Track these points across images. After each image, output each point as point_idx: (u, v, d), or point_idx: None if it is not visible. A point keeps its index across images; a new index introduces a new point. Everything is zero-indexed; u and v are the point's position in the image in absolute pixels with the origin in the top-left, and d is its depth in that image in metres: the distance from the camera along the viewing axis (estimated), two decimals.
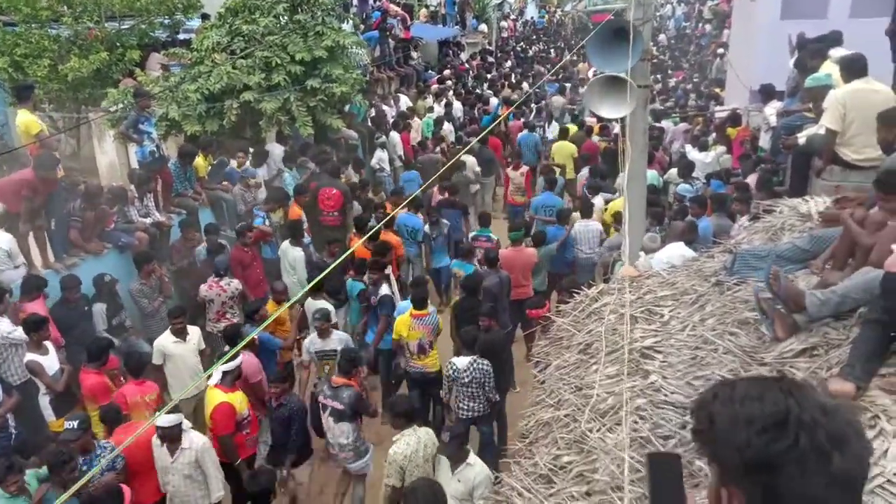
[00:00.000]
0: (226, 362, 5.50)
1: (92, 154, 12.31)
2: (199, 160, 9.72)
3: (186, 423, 5.41)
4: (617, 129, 10.86)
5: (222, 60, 10.65)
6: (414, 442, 5.15)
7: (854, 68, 5.66)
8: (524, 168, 11.76)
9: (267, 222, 9.13)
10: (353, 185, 10.57)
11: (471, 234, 9.72)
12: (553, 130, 15.37)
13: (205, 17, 13.37)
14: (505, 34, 30.78)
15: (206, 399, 5.91)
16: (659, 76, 21.27)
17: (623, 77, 5.42)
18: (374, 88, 15.35)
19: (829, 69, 6.76)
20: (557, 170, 12.22)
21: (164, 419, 5.09)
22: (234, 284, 7.66)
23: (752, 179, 8.22)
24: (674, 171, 10.61)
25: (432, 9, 24.12)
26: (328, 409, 5.92)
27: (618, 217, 8.57)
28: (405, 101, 16.03)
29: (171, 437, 5.24)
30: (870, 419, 2.79)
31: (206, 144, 10.15)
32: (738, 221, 7.18)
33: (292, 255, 8.60)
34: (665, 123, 14.10)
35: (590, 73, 20.58)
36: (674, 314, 4.26)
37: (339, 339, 6.68)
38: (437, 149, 13.29)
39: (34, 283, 6.52)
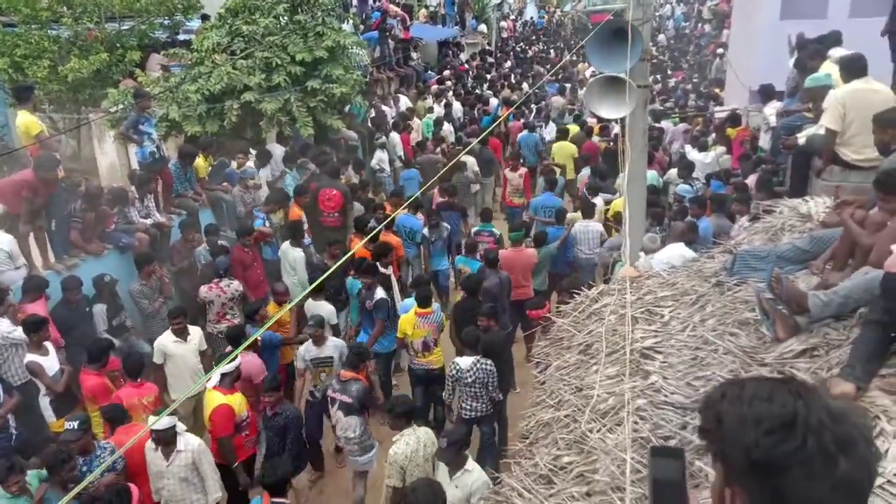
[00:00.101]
0: (219, 362, 5.50)
1: (92, 155, 12.32)
2: (200, 161, 9.72)
3: (181, 426, 5.37)
4: (617, 129, 10.86)
5: (222, 61, 10.65)
6: (414, 441, 5.17)
7: (854, 68, 5.67)
8: (522, 170, 11.71)
9: (267, 223, 9.13)
10: (354, 186, 10.57)
11: (473, 230, 9.82)
12: (550, 131, 15.37)
13: (205, 17, 13.38)
14: (504, 34, 30.78)
15: (205, 401, 5.90)
16: (659, 76, 21.28)
17: (622, 77, 5.42)
18: (373, 89, 15.36)
19: (829, 69, 6.77)
20: (558, 170, 12.22)
21: (159, 422, 5.05)
22: (234, 286, 7.65)
23: (751, 180, 8.22)
24: (674, 171, 10.61)
25: (432, 9, 24.13)
26: (337, 402, 6.01)
27: (618, 217, 8.58)
28: (405, 102, 16.04)
29: (166, 440, 5.18)
30: (871, 418, 2.79)
31: (207, 145, 10.15)
32: (737, 222, 7.18)
33: (292, 255, 8.60)
34: (665, 124, 14.10)
35: (587, 73, 20.63)
36: (674, 315, 4.26)
37: (334, 346, 6.64)
38: (438, 149, 13.29)
39: (36, 284, 6.53)
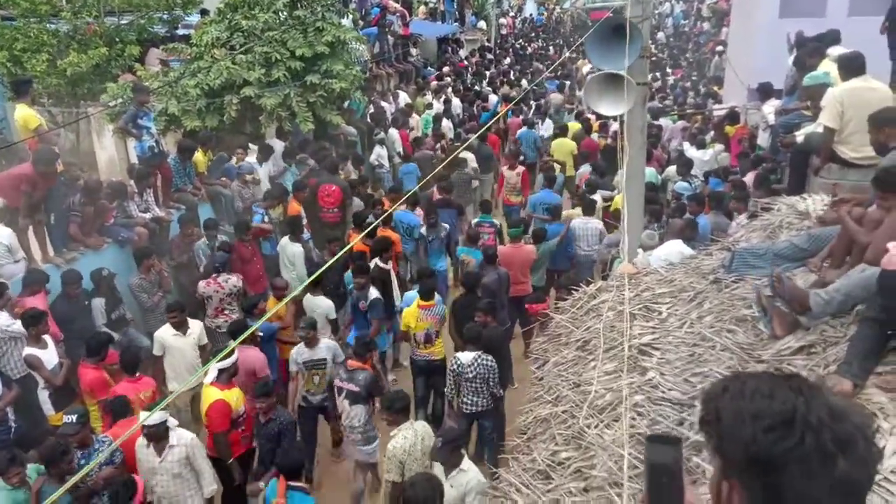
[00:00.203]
0: (222, 359, 5.50)
1: (91, 149, 12.30)
2: (199, 156, 9.72)
3: (172, 421, 5.34)
4: (615, 126, 10.86)
5: (222, 56, 10.64)
6: (412, 435, 5.20)
7: (852, 66, 5.68)
8: (520, 168, 11.62)
9: (266, 219, 9.12)
10: (353, 182, 10.57)
11: (474, 221, 9.86)
12: (547, 128, 15.36)
13: (204, 12, 13.36)
14: (504, 31, 30.74)
15: (202, 395, 5.90)
16: (658, 74, 21.28)
17: (621, 74, 5.43)
18: (373, 85, 15.34)
19: (828, 67, 6.78)
20: (558, 167, 12.22)
21: (151, 417, 5.00)
22: (233, 281, 7.64)
23: (750, 178, 8.24)
24: (672, 168, 10.62)
25: (431, 5, 24.09)
26: (343, 391, 6.09)
27: (618, 214, 8.60)
28: (404, 98, 16.02)
29: (158, 435, 5.15)
30: (871, 419, 2.81)
31: (206, 140, 10.14)
32: (735, 219, 7.20)
33: (291, 250, 8.60)
34: (663, 121, 14.10)
35: (584, 70, 20.61)
36: (672, 311, 4.28)
37: (327, 348, 6.56)
38: (438, 146, 13.28)
39: (36, 278, 6.54)
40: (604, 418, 3.60)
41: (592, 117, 14.05)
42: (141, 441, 5.25)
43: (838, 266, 3.81)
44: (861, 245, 3.63)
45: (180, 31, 13.81)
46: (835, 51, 7.29)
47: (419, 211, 9.57)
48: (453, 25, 24.73)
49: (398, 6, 18.54)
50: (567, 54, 22.61)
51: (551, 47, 30.80)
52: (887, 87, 5.95)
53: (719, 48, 20.62)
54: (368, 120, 13.87)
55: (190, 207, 9.07)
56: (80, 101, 12.43)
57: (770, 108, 9.06)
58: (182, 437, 5.29)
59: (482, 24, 27.53)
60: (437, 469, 5.00)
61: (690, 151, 11.16)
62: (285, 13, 11.31)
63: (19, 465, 4.67)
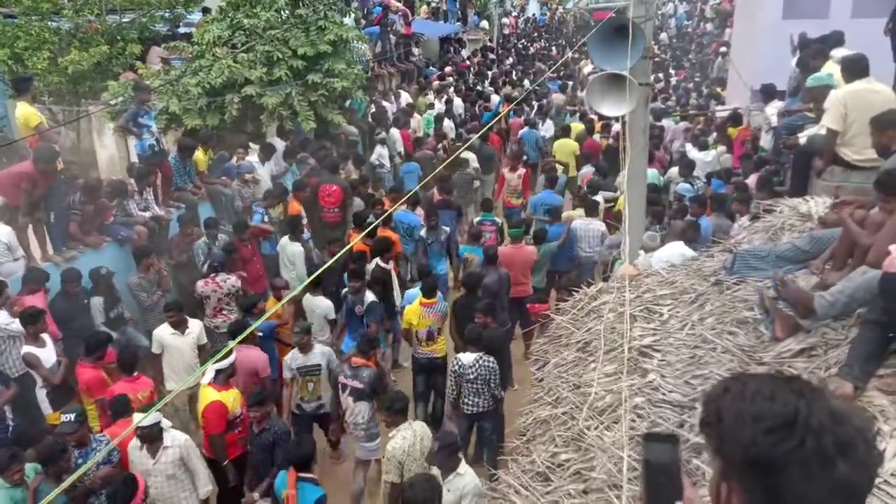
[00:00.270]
0: (220, 359, 5.47)
1: (92, 147, 12.29)
2: (199, 154, 9.70)
3: (166, 423, 5.30)
4: (617, 127, 10.84)
5: (223, 54, 10.63)
6: (410, 436, 5.20)
7: (855, 69, 5.66)
8: (521, 170, 11.53)
9: (266, 218, 9.11)
10: (354, 182, 10.55)
11: (475, 220, 9.86)
12: (548, 128, 15.34)
13: (205, 10, 13.36)
14: (506, 31, 30.72)
15: (199, 396, 5.88)
16: (661, 75, 21.26)
17: (624, 75, 5.41)
18: (374, 84, 15.33)
19: (831, 69, 6.76)
20: (560, 168, 12.20)
21: (143, 419, 4.93)
22: (231, 281, 7.58)
23: (752, 179, 8.21)
24: (675, 170, 10.60)
25: (434, 5, 24.07)
26: (348, 388, 6.10)
27: (620, 215, 8.58)
28: (406, 98, 16.00)
29: (151, 437, 5.10)
30: (873, 423, 2.79)
31: (207, 139, 10.13)
32: (737, 221, 7.18)
33: (291, 250, 8.59)
34: (665, 122, 14.08)
35: (585, 70, 20.60)
36: (673, 313, 4.26)
37: (321, 354, 6.48)
38: (440, 146, 13.27)
39: (36, 277, 6.52)
40: (604, 420, 3.58)
41: (595, 118, 14.02)
42: (134, 443, 5.20)
43: (840, 268, 3.79)
44: (863, 247, 3.61)
45: (182, 30, 13.81)
46: (838, 52, 7.26)
47: (420, 211, 9.55)
48: (456, 25, 24.72)
49: (400, 5, 18.52)
50: (569, 54, 22.58)
51: (554, 48, 30.77)
52: (891, 89, 5.92)
53: (722, 49, 20.59)
54: (370, 119, 13.86)
55: (190, 206, 9.06)
56: (81, 100, 12.43)
57: (773, 109, 9.04)
58: (176, 439, 5.24)
59: (485, 23, 27.54)
60: (434, 472, 4.99)
61: (692, 153, 11.14)
62: (287, 12, 11.30)
63: (20, 462, 4.66)
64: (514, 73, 22.05)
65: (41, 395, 6.04)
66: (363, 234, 6.59)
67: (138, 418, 5.07)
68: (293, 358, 6.43)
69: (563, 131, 13.74)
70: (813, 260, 4.10)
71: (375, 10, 17.63)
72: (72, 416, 5.01)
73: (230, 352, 5.61)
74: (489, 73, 21.47)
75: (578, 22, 32.82)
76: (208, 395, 5.65)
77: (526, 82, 20.12)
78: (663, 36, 30.31)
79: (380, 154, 12.69)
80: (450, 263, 9.29)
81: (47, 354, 6.03)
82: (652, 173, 9.40)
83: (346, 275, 7.93)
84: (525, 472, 3.61)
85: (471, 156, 11.98)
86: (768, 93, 9.71)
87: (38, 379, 6.00)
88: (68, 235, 7.48)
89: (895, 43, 8.37)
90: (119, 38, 12.48)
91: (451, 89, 17.38)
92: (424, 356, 7.21)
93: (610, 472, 3.19)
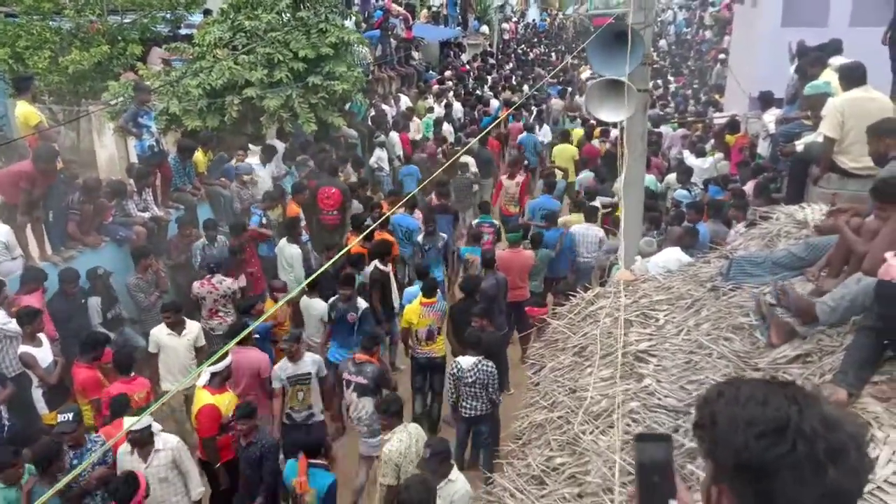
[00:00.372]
0: (214, 362, 5.45)
1: (91, 147, 12.30)
2: (199, 156, 9.71)
3: (157, 426, 5.27)
4: (616, 132, 10.85)
5: (224, 56, 10.65)
6: (406, 438, 5.21)
7: (853, 77, 5.69)
8: (519, 178, 11.49)
9: (264, 220, 9.11)
10: (353, 185, 10.57)
11: (474, 222, 9.90)
12: (545, 133, 15.37)
13: (207, 12, 13.38)
14: (506, 36, 30.77)
15: (194, 398, 5.87)
16: (660, 81, 21.31)
17: (623, 81, 5.43)
18: (374, 88, 15.36)
19: (829, 77, 6.79)
20: (560, 173, 12.20)
21: (133, 423, 4.90)
22: (227, 283, 7.55)
23: (749, 186, 8.24)
24: (672, 176, 10.63)
25: (434, 9, 24.12)
26: (352, 384, 6.16)
27: (618, 221, 8.59)
28: (405, 101, 16.04)
29: (142, 441, 5.06)
30: (865, 429, 2.80)
31: (206, 140, 10.14)
32: (734, 228, 7.20)
33: (289, 252, 8.59)
34: (663, 129, 14.12)
35: (583, 76, 20.66)
36: (669, 318, 4.28)
37: (312, 362, 6.38)
38: (439, 150, 13.29)
39: (34, 276, 6.52)
40: (599, 424, 3.59)
41: (594, 122, 14.04)
42: (123, 448, 5.13)
43: (836, 275, 3.81)
44: (859, 255, 3.62)
45: (183, 31, 13.83)
46: (836, 60, 7.29)
47: (418, 213, 9.57)
48: (456, 30, 24.78)
49: (401, 9, 18.58)
50: (568, 59, 22.63)
51: (553, 53, 30.84)
52: (888, 97, 5.96)
53: (721, 56, 20.66)
54: (369, 122, 13.88)
55: (189, 207, 9.06)
56: (81, 99, 12.44)
57: (771, 116, 9.06)
58: (168, 441, 5.21)
59: (485, 28, 27.59)
60: None
61: (690, 159, 11.16)
62: (288, 14, 11.33)
63: (20, 462, 4.66)
64: (513, 78, 22.09)
65: (37, 394, 6.03)
66: (360, 237, 6.59)
67: (129, 422, 5.04)
68: (282, 367, 6.28)
69: (563, 136, 13.75)
70: (809, 267, 4.11)
71: (376, 13, 17.70)
72: (69, 416, 5.00)
73: (225, 354, 5.60)
74: (489, 77, 21.52)
75: (578, 28, 32.95)
76: (202, 398, 5.64)
77: (525, 87, 20.16)
78: (662, 43, 30.41)
79: (379, 157, 12.71)
80: (445, 269, 9.29)
81: (44, 354, 6.03)
82: (649, 179, 9.43)
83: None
84: (520, 475, 3.62)
85: (470, 160, 11.99)
86: (766, 100, 9.75)
87: (35, 379, 6.00)
88: (67, 235, 7.48)
89: (893, 52, 8.42)
90: (120, 38, 12.50)
91: (451, 93, 17.40)
92: (423, 356, 7.25)
93: (605, 477, 3.19)
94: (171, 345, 6.63)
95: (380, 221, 8.19)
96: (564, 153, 13.06)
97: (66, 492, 4.88)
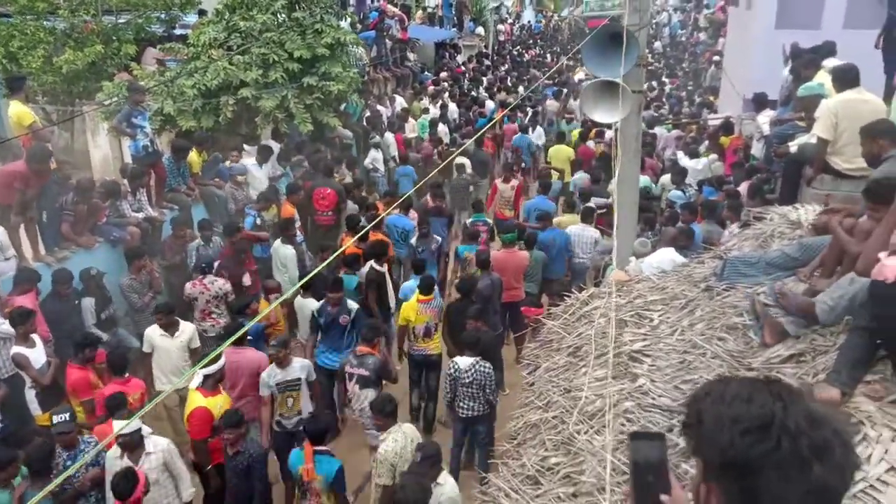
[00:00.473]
0: (206, 364, 5.44)
1: (85, 147, 12.25)
2: (194, 156, 9.69)
3: (146, 429, 5.22)
4: (610, 133, 10.88)
5: (219, 56, 10.63)
6: (401, 438, 5.22)
7: (846, 78, 5.72)
8: (514, 182, 11.46)
9: (259, 220, 9.09)
10: (348, 185, 10.56)
11: (468, 221, 9.91)
12: (539, 135, 15.39)
13: (202, 12, 13.37)
14: (502, 38, 30.80)
15: (187, 400, 5.84)
16: (654, 83, 21.37)
17: (618, 82, 5.44)
18: (370, 89, 15.36)
19: (823, 79, 6.83)
20: (556, 174, 12.20)
21: (122, 427, 4.81)
22: (219, 284, 7.49)
23: (744, 187, 8.28)
24: (667, 177, 10.67)
25: (429, 10, 24.14)
26: (354, 376, 6.25)
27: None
28: (401, 102, 16.04)
29: (133, 445, 4.99)
30: (854, 425, 2.82)
31: (201, 140, 10.12)
32: (728, 228, 7.23)
33: (283, 253, 8.58)
34: (658, 130, 14.17)
35: (576, 79, 20.70)
36: (663, 318, 4.29)
37: (301, 367, 6.18)
38: (435, 151, 13.29)
39: (27, 277, 6.49)
40: (593, 424, 3.59)
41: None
42: (112, 453, 5.06)
43: (829, 276, 3.83)
44: (852, 255, 3.64)
45: (178, 31, 13.79)
46: (830, 62, 7.34)
47: (413, 214, 9.57)
48: (451, 31, 24.79)
49: (397, 10, 18.60)
50: (563, 60, 22.67)
51: (549, 55, 30.89)
52: (880, 99, 6.00)
53: (716, 58, 20.74)
54: (364, 123, 13.88)
55: (183, 208, 9.04)
56: (75, 100, 12.40)
57: (765, 118, 9.11)
58: (158, 444, 5.17)
59: (480, 30, 27.61)
60: None
61: (683, 161, 11.20)
62: (283, 15, 11.32)
63: (16, 464, 4.64)
64: (508, 79, 22.13)
65: (30, 395, 6.00)
66: (355, 238, 6.60)
67: (119, 425, 4.99)
68: (271, 374, 6.07)
69: (559, 137, 13.77)
70: (802, 267, 4.13)
71: (371, 14, 17.70)
72: (66, 416, 4.99)
73: (219, 356, 5.58)
74: (484, 79, 21.55)
75: (573, 29, 33.00)
76: (195, 401, 5.61)
77: (521, 89, 20.19)
78: (657, 45, 30.49)
79: (374, 158, 12.72)
80: (438, 272, 9.27)
81: (37, 355, 6.00)
82: (644, 180, 9.45)
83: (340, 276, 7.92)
84: (515, 475, 3.62)
85: (466, 161, 12.00)
86: (760, 102, 9.79)
87: (28, 380, 5.97)
88: (60, 235, 7.46)
89: (886, 55, 8.47)
90: (114, 38, 12.45)
91: (447, 94, 17.42)
92: (419, 353, 7.30)
93: (599, 476, 3.20)
94: (164, 346, 6.60)
95: (374, 223, 8.17)
96: (561, 154, 13.08)
97: (59, 494, 4.88)
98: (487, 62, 24.83)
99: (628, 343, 4.09)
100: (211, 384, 5.67)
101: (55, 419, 5.02)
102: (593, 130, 13.74)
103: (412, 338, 7.27)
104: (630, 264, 6.24)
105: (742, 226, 6.08)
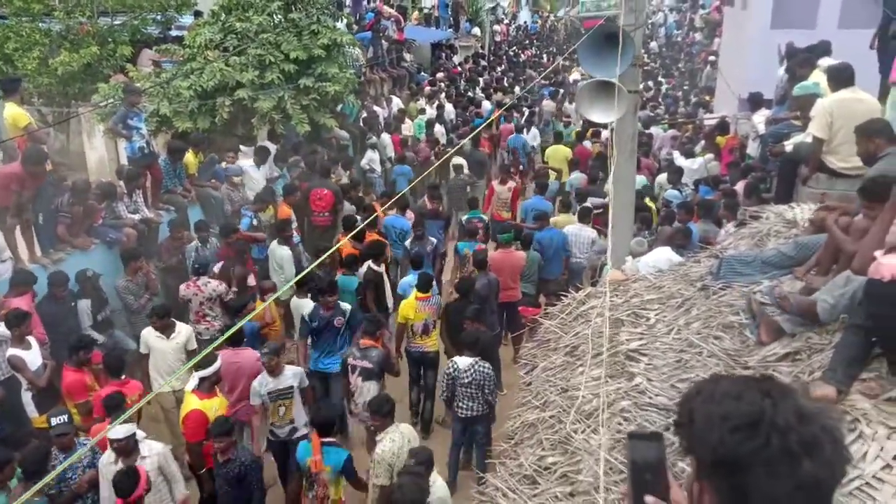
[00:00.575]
0: (203, 366, 5.43)
1: (81, 149, 12.24)
2: (190, 157, 9.68)
3: (140, 433, 5.18)
4: (606, 133, 10.89)
5: (215, 57, 10.62)
6: (399, 438, 5.22)
7: (841, 78, 5.74)
8: (511, 184, 11.45)
9: (255, 222, 9.08)
10: (345, 186, 10.56)
11: (464, 218, 9.95)
12: (534, 136, 15.39)
13: (198, 14, 13.34)
14: (498, 38, 30.81)
15: (183, 402, 5.83)
16: (651, 83, 21.39)
17: (613, 82, 5.45)
18: (366, 89, 15.35)
19: (818, 78, 6.84)
20: (553, 174, 12.19)
21: (118, 430, 4.72)
22: (213, 285, 7.45)
23: (740, 186, 8.30)
24: (663, 177, 10.68)
25: (426, 11, 24.14)
26: (357, 369, 6.33)
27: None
28: (397, 103, 16.04)
29: (127, 449, 4.91)
30: (849, 423, 2.83)
31: (197, 142, 10.11)
32: (724, 227, 7.24)
33: (280, 254, 8.57)
34: (654, 130, 14.19)
35: (571, 79, 20.71)
36: (660, 317, 4.30)
37: (293, 375, 6.02)
38: (432, 152, 13.29)
39: (23, 279, 6.48)
40: (590, 423, 3.60)
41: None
42: (106, 458, 5.01)
43: (825, 274, 3.84)
44: (847, 254, 3.65)
45: (173, 33, 13.78)
46: (825, 62, 7.35)
47: (410, 214, 9.57)
48: (447, 31, 24.80)
49: (393, 11, 18.58)
50: (559, 60, 22.70)
51: (545, 55, 30.91)
52: (875, 98, 6.01)
53: (711, 58, 20.77)
54: (361, 124, 13.88)
55: (179, 209, 9.03)
56: (70, 101, 12.37)
57: (760, 117, 9.12)
58: (153, 448, 5.14)
59: (476, 30, 27.62)
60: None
61: (679, 160, 11.22)
62: (280, 16, 11.32)
63: (12, 465, 4.63)
64: (505, 79, 22.14)
65: (26, 397, 5.99)
66: (348, 236, 6.61)
67: (113, 427, 4.91)
68: (262, 382, 5.90)
69: (556, 138, 13.78)
70: (798, 266, 4.14)
71: (368, 15, 17.68)
72: (64, 418, 4.98)
73: (214, 359, 5.57)
74: (480, 79, 21.56)
75: (569, 30, 33.03)
76: (190, 403, 5.60)
77: (517, 89, 20.20)
78: (653, 45, 30.54)
79: (370, 159, 12.71)
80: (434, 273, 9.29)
81: (33, 357, 5.98)
82: (640, 180, 9.46)
83: (338, 277, 7.91)
84: (512, 475, 3.62)
85: (462, 161, 12.00)
86: (756, 101, 9.80)
87: (24, 382, 5.96)
88: (56, 237, 7.44)
89: (881, 54, 8.49)
90: (110, 40, 12.42)
91: (443, 95, 17.41)
92: (417, 350, 7.34)
93: (596, 475, 3.20)
94: (159, 347, 6.59)
95: (366, 222, 8.21)
96: (558, 154, 13.09)
97: (56, 496, 4.87)
98: (484, 63, 24.84)
99: (625, 342, 4.09)
100: (207, 387, 5.65)
101: (54, 421, 5.02)
102: (590, 130, 13.75)
103: (410, 335, 7.31)
104: (626, 263, 6.25)
105: (738, 225, 6.09)
